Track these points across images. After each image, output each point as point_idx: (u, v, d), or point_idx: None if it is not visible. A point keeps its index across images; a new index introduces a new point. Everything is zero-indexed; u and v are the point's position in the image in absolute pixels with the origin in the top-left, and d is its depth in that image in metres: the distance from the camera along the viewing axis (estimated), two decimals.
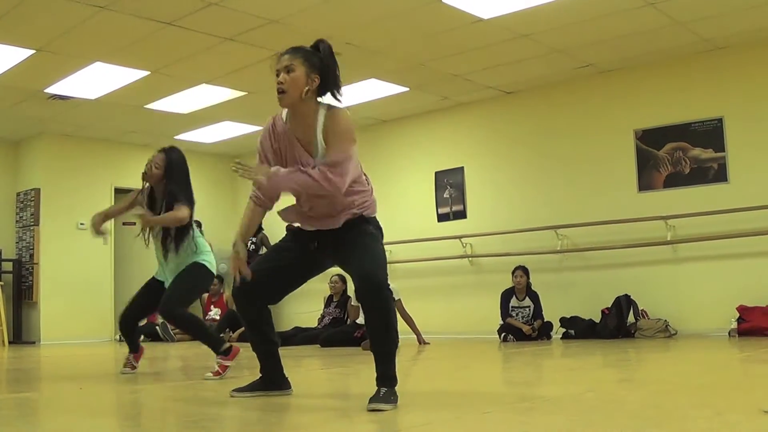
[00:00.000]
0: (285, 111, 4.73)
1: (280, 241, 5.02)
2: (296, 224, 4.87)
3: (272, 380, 5.04)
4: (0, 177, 15.32)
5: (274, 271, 4.86)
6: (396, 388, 4.48)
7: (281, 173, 4.53)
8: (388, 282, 4.55)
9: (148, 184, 7.11)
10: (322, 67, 4.59)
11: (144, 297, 7.08)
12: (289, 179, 4.53)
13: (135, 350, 7.20)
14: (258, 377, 5.09)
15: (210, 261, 6.97)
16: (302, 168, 4.55)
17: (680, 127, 11.14)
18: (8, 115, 13.42)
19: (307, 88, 4.53)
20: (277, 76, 4.56)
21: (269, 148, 4.74)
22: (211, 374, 6.34)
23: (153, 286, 7.05)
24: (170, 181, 6.92)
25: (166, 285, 6.87)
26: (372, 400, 4.31)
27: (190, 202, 6.86)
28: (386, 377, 4.52)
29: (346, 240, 4.68)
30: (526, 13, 9.48)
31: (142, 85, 11.70)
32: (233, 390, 5.02)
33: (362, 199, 4.76)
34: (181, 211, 6.76)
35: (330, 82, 4.61)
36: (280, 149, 4.71)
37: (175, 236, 6.83)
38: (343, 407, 4.48)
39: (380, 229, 4.86)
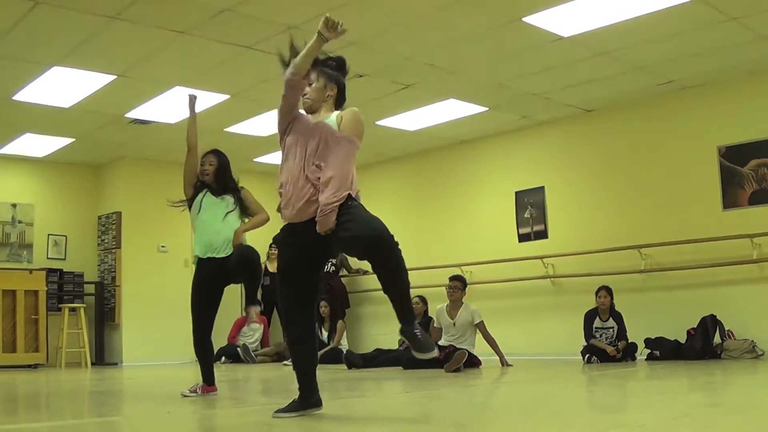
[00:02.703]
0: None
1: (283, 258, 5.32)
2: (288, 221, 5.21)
3: (310, 398, 5.22)
4: (82, 200, 15.54)
5: (300, 282, 5.23)
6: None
7: (323, 200, 4.94)
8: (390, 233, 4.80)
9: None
10: (338, 79, 5.40)
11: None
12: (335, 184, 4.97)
13: (210, 382, 7.18)
14: (295, 398, 5.23)
15: None
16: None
17: (765, 142, 10.92)
18: (90, 140, 13.59)
19: (327, 94, 5.32)
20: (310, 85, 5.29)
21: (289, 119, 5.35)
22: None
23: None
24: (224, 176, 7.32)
25: (216, 255, 6.97)
26: (418, 347, 4.81)
27: None
28: (410, 317, 4.86)
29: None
30: (605, 30, 9.38)
31: (222, 108, 11.78)
32: (276, 411, 5.11)
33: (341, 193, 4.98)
34: (265, 214, 7.19)
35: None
36: (294, 128, 5.30)
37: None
38: (427, 430, 4.41)
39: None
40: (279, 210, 5.22)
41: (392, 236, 4.74)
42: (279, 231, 5.28)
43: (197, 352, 7.19)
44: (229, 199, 7.23)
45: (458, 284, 11.12)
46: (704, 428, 4.35)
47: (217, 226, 7.06)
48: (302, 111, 5.32)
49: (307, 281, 5.21)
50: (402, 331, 4.81)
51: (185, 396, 6.96)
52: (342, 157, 4.99)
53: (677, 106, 11.85)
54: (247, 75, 10.49)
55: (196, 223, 7.23)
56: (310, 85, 5.24)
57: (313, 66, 5.20)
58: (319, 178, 4.96)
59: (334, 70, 5.37)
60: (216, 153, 7.50)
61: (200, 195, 7.29)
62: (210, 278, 7.01)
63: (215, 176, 7.32)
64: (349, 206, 4.89)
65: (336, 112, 5.26)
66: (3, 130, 12.95)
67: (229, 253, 6.98)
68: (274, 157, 15.00)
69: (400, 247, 4.74)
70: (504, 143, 14.01)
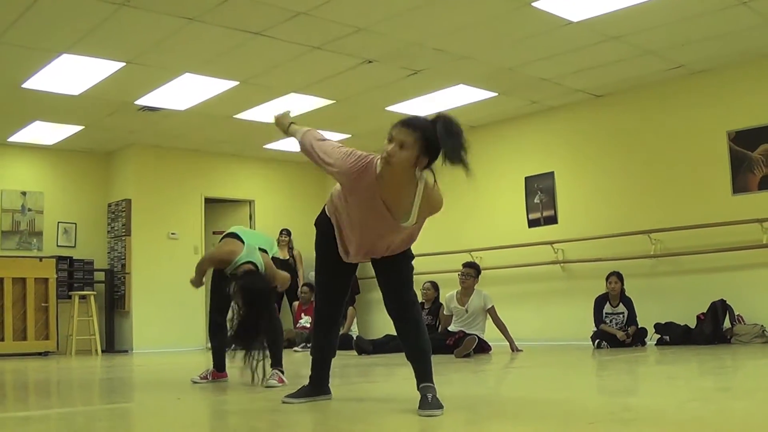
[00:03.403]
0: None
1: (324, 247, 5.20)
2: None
3: (321, 386, 5.25)
4: (92, 188, 15.58)
5: (337, 273, 5.19)
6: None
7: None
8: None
9: None
10: (433, 149, 4.60)
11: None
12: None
13: (221, 368, 7.14)
14: (305, 384, 5.28)
15: None
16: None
17: None
18: (99, 127, 13.61)
19: (412, 166, 4.62)
20: (389, 141, 4.57)
21: (350, 173, 4.70)
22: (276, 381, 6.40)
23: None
24: None
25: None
26: (423, 406, 4.54)
27: None
28: (429, 377, 4.79)
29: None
30: (615, 14, 9.35)
31: (232, 95, 11.78)
32: (285, 396, 5.14)
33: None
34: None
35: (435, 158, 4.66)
36: (354, 188, 4.74)
37: None
38: (438, 418, 4.41)
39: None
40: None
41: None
42: (321, 213, 5.18)
43: (211, 338, 7.16)
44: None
45: (471, 271, 11.14)
46: (714, 412, 4.35)
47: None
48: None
49: (344, 272, 5.19)
50: (419, 388, 4.75)
51: (195, 383, 6.97)
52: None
53: (687, 90, 11.82)
54: (256, 61, 10.48)
55: None
56: (399, 147, 4.55)
57: (414, 128, 4.58)
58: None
59: (436, 135, 4.55)
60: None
61: None
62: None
63: None
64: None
65: (420, 188, 4.75)
66: (13, 118, 12.98)
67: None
68: (284, 144, 15.00)
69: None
70: (513, 129, 13.99)
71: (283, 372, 6.56)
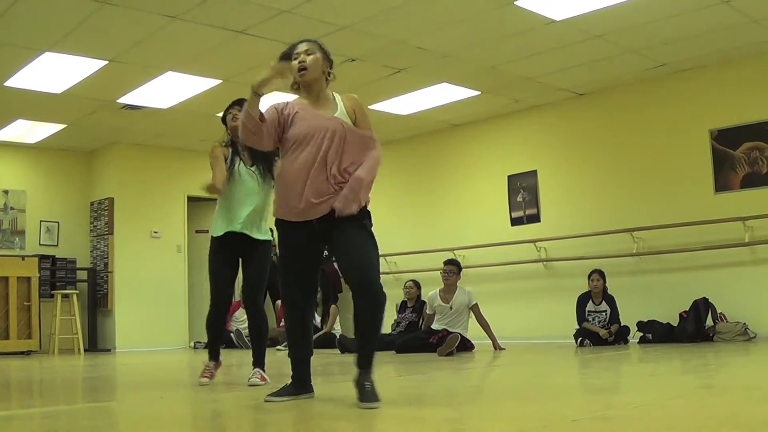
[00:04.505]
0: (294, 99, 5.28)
1: (284, 241, 5.21)
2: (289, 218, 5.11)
3: (303, 385, 5.24)
4: (74, 187, 15.54)
5: (303, 269, 5.19)
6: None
7: (363, 175, 4.95)
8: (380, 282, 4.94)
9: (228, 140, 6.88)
10: (328, 51, 5.24)
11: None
12: (372, 172, 5.04)
13: (216, 358, 7.04)
14: (287, 383, 5.27)
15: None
16: (355, 176, 4.96)
17: (757, 126, 10.97)
18: (82, 126, 13.57)
19: (323, 70, 5.16)
20: (296, 58, 5.11)
21: (273, 118, 5.16)
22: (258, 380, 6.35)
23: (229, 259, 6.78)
24: None
25: (240, 229, 6.61)
26: (364, 398, 4.72)
27: None
28: (370, 364, 4.91)
29: (346, 229, 4.98)
30: (598, 13, 9.39)
31: (214, 93, 11.75)
32: (268, 395, 5.11)
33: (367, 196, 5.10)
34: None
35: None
36: (282, 120, 5.17)
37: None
38: (421, 416, 4.42)
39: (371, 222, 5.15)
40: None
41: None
42: (276, 225, 5.20)
43: (215, 325, 6.96)
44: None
45: (453, 268, 11.14)
46: (696, 409, 4.37)
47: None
48: (283, 98, 5.31)
49: (310, 269, 5.22)
50: (358, 379, 4.86)
51: (205, 384, 6.75)
52: (373, 162, 5.05)
53: (669, 89, 11.86)
54: (239, 59, 10.47)
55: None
56: (308, 53, 5.10)
57: (310, 41, 5.19)
58: (343, 175, 4.97)
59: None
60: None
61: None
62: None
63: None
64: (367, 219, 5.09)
65: (338, 97, 5.22)
66: None
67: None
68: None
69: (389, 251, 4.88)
70: (496, 127, 14.01)
71: (264, 371, 6.53)
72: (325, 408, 4.88)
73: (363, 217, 5.01)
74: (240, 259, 6.76)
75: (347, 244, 4.97)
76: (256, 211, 6.60)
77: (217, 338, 6.99)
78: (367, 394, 4.74)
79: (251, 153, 6.68)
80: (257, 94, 5.04)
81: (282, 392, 5.13)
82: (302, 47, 5.12)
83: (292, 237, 5.10)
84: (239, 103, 6.74)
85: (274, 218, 5.19)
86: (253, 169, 6.67)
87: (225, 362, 7.15)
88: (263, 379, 6.37)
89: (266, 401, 5.02)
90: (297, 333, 5.22)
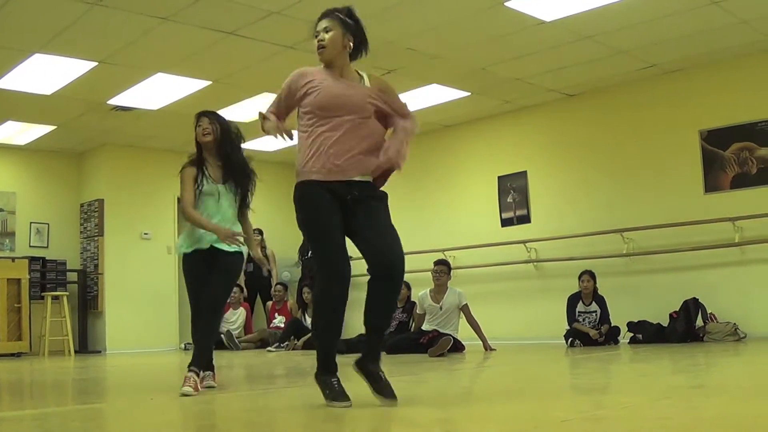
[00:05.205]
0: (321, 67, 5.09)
1: (315, 203, 4.88)
2: (319, 177, 4.86)
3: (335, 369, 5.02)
4: (64, 188, 15.52)
5: (341, 236, 4.94)
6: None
7: (410, 126, 5.16)
8: None
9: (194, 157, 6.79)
10: (356, 30, 5.06)
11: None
12: (415, 129, 5.20)
13: (209, 367, 6.68)
14: (333, 381, 4.92)
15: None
16: (402, 126, 5.11)
17: (746, 126, 10.99)
18: (72, 127, 13.56)
19: (343, 46, 4.99)
20: (316, 37, 5.01)
21: (305, 77, 5.02)
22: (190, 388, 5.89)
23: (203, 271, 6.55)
24: (227, 144, 6.62)
25: (206, 245, 6.42)
26: (387, 393, 4.74)
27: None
28: (378, 356, 4.98)
29: (378, 209, 4.96)
30: (588, 14, 9.41)
31: (204, 95, 11.75)
32: (331, 401, 4.80)
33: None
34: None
35: (362, 44, 5.13)
36: (307, 88, 4.98)
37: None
38: (412, 417, 4.42)
39: None
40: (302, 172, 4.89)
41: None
42: (300, 185, 4.91)
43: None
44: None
45: (444, 268, 11.14)
46: (687, 409, 4.37)
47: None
48: (307, 69, 5.09)
49: (341, 227, 4.91)
50: (370, 367, 4.86)
51: (210, 387, 6.60)
52: (414, 122, 5.20)
53: (659, 90, 11.89)
54: (229, 60, 10.47)
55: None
56: (326, 31, 4.97)
57: (331, 15, 5.03)
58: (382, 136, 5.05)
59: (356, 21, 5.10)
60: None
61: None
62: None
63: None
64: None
65: (365, 75, 5.15)
66: None
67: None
68: (257, 144, 14.96)
69: None
70: (486, 128, 14.02)
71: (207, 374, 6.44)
72: (314, 409, 4.87)
73: (386, 199, 5.03)
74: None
75: (379, 226, 4.90)
76: (225, 224, 6.48)
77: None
78: (387, 388, 4.75)
79: (225, 168, 6.59)
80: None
81: (341, 393, 4.83)
82: (322, 24, 5.02)
83: (323, 198, 4.83)
84: (206, 114, 6.76)
85: (298, 183, 4.91)
86: (221, 186, 6.55)
87: (216, 363, 7.12)
88: (196, 386, 5.97)
89: (330, 406, 4.75)
90: (341, 319, 5.04)
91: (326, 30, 4.98)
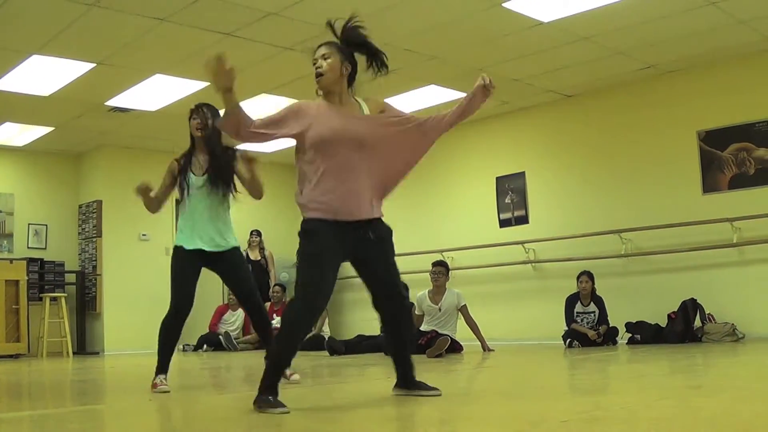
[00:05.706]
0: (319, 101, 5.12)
1: (317, 243, 4.83)
2: (322, 216, 4.86)
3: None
4: (62, 189, 15.51)
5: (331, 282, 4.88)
6: None
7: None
8: None
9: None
10: (349, 52, 5.18)
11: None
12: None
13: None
14: (270, 395, 4.75)
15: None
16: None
17: (744, 127, 11.00)
18: (70, 128, 13.55)
19: (341, 73, 5.09)
20: (314, 63, 5.06)
21: (305, 115, 4.99)
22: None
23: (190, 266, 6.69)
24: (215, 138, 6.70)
25: (209, 248, 6.58)
26: (432, 388, 5.18)
27: None
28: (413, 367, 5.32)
29: (386, 244, 5.06)
30: (586, 15, 9.41)
31: (203, 96, 11.63)
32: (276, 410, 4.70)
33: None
34: None
35: (375, 56, 5.36)
36: (307, 123, 4.95)
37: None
38: (411, 417, 4.43)
39: None
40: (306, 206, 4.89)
41: None
42: (307, 221, 4.88)
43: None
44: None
45: (442, 269, 11.13)
46: (685, 410, 4.37)
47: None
48: (304, 103, 5.10)
49: (337, 267, 4.92)
50: (415, 380, 5.28)
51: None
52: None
53: (657, 90, 11.89)
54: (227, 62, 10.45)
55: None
56: (324, 58, 5.04)
57: (329, 43, 5.13)
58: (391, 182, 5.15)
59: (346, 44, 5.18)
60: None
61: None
62: None
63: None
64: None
65: (362, 102, 5.26)
66: None
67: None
68: (255, 145, 14.94)
69: None
70: (484, 129, 13.99)
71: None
72: (313, 410, 4.87)
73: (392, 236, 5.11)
74: (211, 270, 6.72)
75: (387, 260, 5.06)
76: (219, 221, 6.56)
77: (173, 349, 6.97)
78: (429, 387, 5.20)
79: (211, 161, 6.62)
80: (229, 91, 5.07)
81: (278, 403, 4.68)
82: (319, 52, 5.09)
83: (329, 238, 4.81)
84: (201, 108, 6.76)
85: (305, 218, 4.90)
86: (205, 177, 6.58)
87: (213, 365, 7.13)
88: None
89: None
90: (299, 342, 4.90)
91: (324, 57, 5.06)
